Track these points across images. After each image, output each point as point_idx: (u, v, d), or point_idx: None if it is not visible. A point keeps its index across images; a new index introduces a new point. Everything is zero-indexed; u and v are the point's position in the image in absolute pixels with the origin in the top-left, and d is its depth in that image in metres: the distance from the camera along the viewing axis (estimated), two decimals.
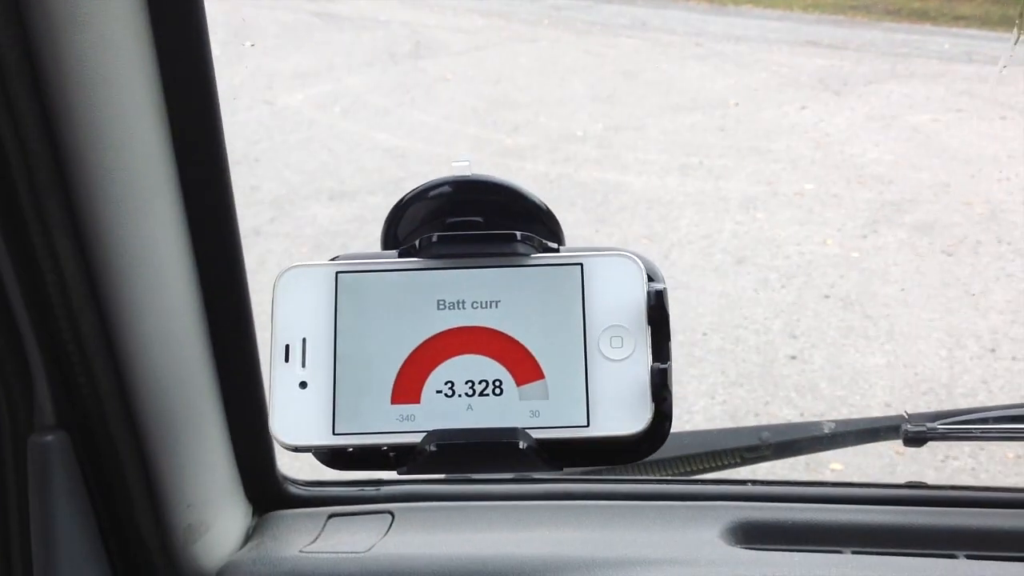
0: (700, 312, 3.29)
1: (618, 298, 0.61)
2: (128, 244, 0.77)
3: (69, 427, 0.81)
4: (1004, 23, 5.43)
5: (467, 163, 0.66)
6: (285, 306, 0.63)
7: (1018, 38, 1.14)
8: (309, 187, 4.33)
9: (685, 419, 2.74)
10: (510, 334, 0.61)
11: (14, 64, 0.67)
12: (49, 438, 0.80)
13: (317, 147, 4.74)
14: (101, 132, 0.72)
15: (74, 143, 0.71)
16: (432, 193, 0.66)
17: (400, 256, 0.63)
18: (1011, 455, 2.56)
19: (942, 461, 2.55)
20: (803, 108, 4.97)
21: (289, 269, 0.63)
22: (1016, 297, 3.30)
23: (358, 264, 0.63)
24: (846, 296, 3.36)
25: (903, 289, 3.39)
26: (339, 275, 0.63)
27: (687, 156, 4.51)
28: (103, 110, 0.71)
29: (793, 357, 3.05)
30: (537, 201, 0.66)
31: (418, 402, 0.61)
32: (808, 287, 3.43)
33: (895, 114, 4.85)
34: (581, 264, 0.62)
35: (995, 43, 5.31)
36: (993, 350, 3.03)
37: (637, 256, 0.62)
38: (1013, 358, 2.99)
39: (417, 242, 0.63)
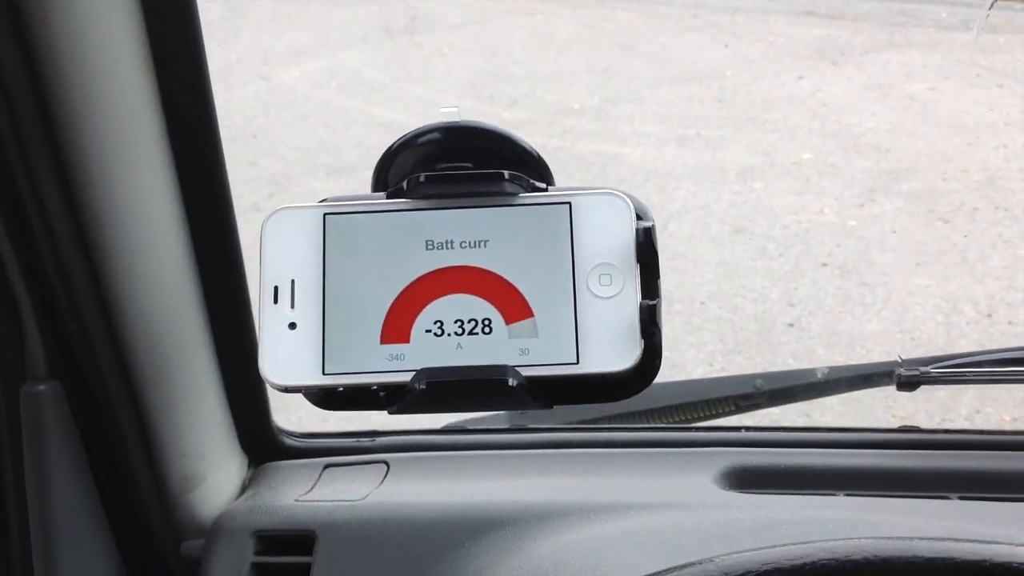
0: (698, 282, 3.29)
1: (607, 236, 0.61)
2: (117, 193, 0.77)
3: (62, 377, 0.82)
4: None
5: (456, 109, 0.66)
6: (273, 248, 0.62)
7: (993, 3, 1.14)
8: (306, 163, 4.31)
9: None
10: (499, 273, 0.61)
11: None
12: (42, 387, 0.81)
13: (314, 123, 4.72)
14: (88, 84, 0.72)
15: (61, 94, 0.71)
16: (422, 139, 0.65)
17: (388, 197, 0.63)
18: (1007, 417, 2.57)
19: (938, 425, 2.56)
20: (800, 78, 4.95)
21: (277, 211, 0.63)
22: (1013, 263, 3.29)
23: (346, 206, 0.63)
24: (843, 264, 3.36)
25: (898, 253, 3.39)
26: (327, 217, 0.63)
27: (684, 127, 4.49)
28: (91, 65, 0.71)
29: (791, 325, 3.05)
30: (527, 146, 0.65)
31: (407, 342, 0.60)
32: (806, 256, 3.43)
33: (892, 83, 4.83)
34: (569, 203, 0.62)
35: (992, 11, 5.29)
36: (990, 315, 3.04)
37: (626, 195, 0.62)
38: (1009, 323, 3.00)
39: (405, 183, 0.63)
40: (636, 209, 0.62)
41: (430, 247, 0.62)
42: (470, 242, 0.62)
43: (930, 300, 3.12)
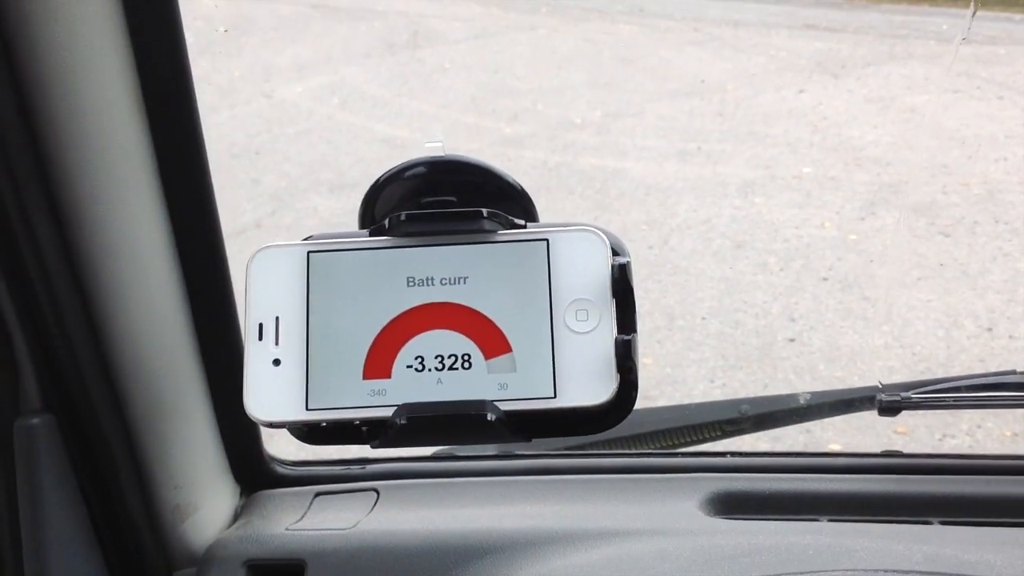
0: (699, 297, 3.30)
1: (583, 272, 0.62)
2: (108, 229, 0.78)
3: (55, 410, 0.83)
4: (1002, 2, 5.42)
5: (440, 144, 0.67)
6: (258, 285, 0.64)
7: (975, 12, 1.15)
8: (309, 179, 4.33)
9: (685, 403, 2.74)
10: (478, 309, 0.62)
11: None
12: (35, 421, 0.82)
13: (316, 139, 4.75)
14: (78, 119, 0.73)
15: (52, 131, 0.72)
16: (408, 174, 0.67)
17: (371, 235, 0.65)
18: (1008, 432, 2.57)
19: (939, 440, 2.56)
20: (801, 92, 4.97)
21: (262, 249, 0.64)
22: (1013, 276, 3.30)
23: (329, 243, 0.64)
24: (844, 278, 3.37)
25: (899, 267, 3.40)
26: (311, 255, 0.64)
27: (685, 142, 4.51)
28: (79, 99, 0.73)
29: (792, 340, 3.05)
30: (510, 180, 0.67)
31: (389, 377, 0.62)
32: (806, 270, 3.44)
33: (893, 96, 4.84)
34: (547, 240, 0.63)
35: (992, 23, 5.29)
36: (990, 329, 3.04)
37: (602, 231, 0.64)
38: (1010, 336, 3.00)
39: (387, 221, 0.64)
40: (612, 245, 0.63)
41: (411, 284, 0.63)
42: (450, 279, 0.63)
43: (931, 314, 3.12)
